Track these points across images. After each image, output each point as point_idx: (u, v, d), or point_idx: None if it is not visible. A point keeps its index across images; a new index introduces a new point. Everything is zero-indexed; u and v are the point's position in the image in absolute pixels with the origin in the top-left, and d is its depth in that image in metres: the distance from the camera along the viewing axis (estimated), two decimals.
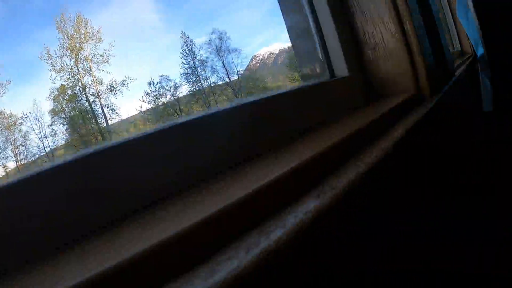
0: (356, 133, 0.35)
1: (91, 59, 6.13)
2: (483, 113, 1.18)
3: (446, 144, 0.61)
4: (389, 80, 0.57)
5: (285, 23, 0.69)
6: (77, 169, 0.24)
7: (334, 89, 0.55)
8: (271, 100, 0.41)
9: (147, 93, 5.88)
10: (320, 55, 0.59)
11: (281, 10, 0.68)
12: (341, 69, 0.57)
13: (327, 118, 0.51)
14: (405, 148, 0.39)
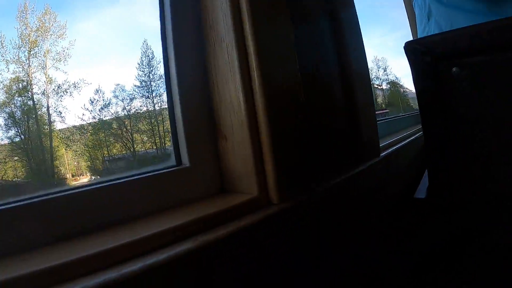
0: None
1: (45, 55, 5.66)
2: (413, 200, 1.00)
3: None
4: (236, 176, 0.51)
5: None
6: None
7: (172, 178, 0.48)
8: None
9: (91, 101, 5.43)
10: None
11: None
12: (185, 157, 0.50)
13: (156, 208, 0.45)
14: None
